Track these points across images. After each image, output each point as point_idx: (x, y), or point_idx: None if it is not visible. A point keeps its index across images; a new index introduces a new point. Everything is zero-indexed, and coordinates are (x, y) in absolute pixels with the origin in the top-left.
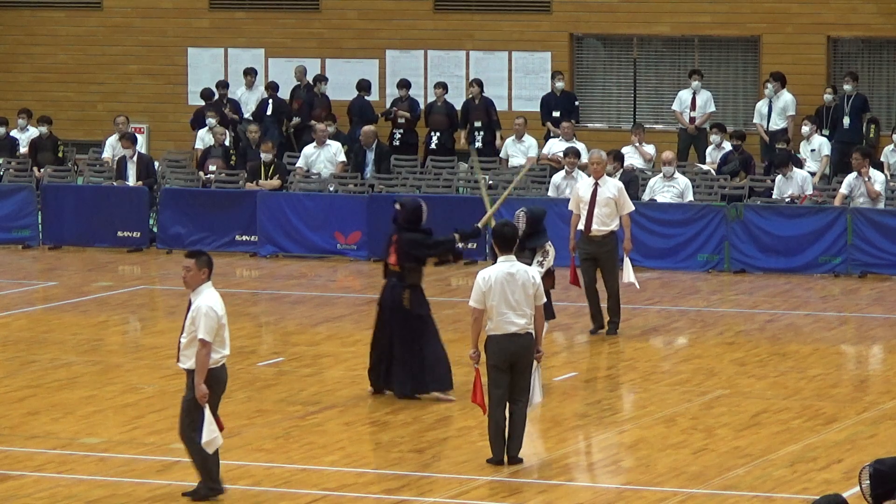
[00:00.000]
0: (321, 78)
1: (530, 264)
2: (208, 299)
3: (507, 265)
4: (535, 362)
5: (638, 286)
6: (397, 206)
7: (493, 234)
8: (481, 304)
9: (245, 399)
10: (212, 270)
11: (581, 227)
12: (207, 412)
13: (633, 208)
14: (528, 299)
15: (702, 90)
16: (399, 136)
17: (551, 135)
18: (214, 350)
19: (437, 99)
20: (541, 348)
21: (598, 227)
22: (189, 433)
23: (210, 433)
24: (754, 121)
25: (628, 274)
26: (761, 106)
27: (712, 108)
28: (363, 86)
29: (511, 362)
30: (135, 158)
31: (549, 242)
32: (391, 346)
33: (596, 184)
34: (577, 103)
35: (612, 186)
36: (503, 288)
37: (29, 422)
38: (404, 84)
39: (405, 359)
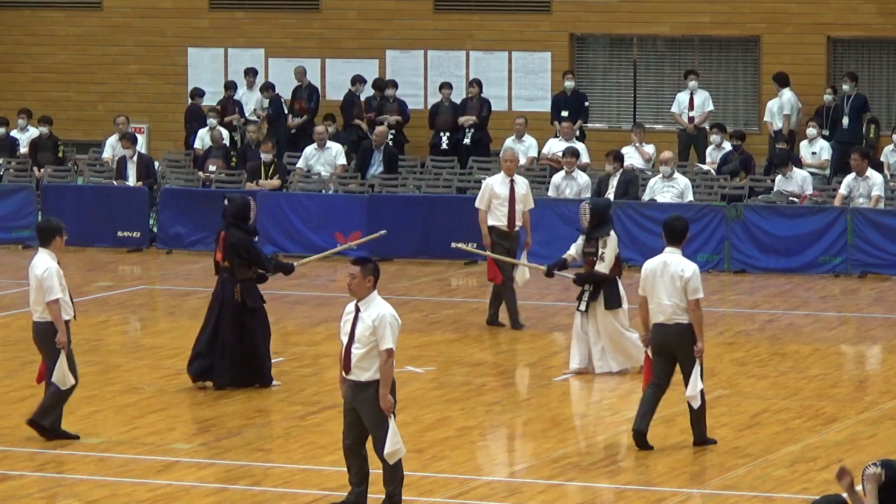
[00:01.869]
0: (392, 83)
1: (595, 253)
2: (387, 307)
3: (665, 256)
4: (697, 356)
5: (527, 279)
6: (226, 202)
7: (663, 226)
8: (643, 292)
9: (245, 399)
10: (378, 278)
11: (496, 223)
12: (393, 423)
13: (534, 205)
14: (677, 291)
15: (699, 90)
16: (391, 136)
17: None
18: None
19: (444, 99)
20: (700, 344)
21: (518, 223)
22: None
23: (394, 444)
24: (765, 119)
25: (526, 270)
26: (772, 105)
27: (710, 107)
28: (390, 84)
29: (663, 351)
30: (135, 158)
31: (613, 231)
32: (215, 338)
33: (511, 180)
34: (587, 104)
35: (522, 183)
36: (654, 278)
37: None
38: (392, 84)
39: (229, 351)
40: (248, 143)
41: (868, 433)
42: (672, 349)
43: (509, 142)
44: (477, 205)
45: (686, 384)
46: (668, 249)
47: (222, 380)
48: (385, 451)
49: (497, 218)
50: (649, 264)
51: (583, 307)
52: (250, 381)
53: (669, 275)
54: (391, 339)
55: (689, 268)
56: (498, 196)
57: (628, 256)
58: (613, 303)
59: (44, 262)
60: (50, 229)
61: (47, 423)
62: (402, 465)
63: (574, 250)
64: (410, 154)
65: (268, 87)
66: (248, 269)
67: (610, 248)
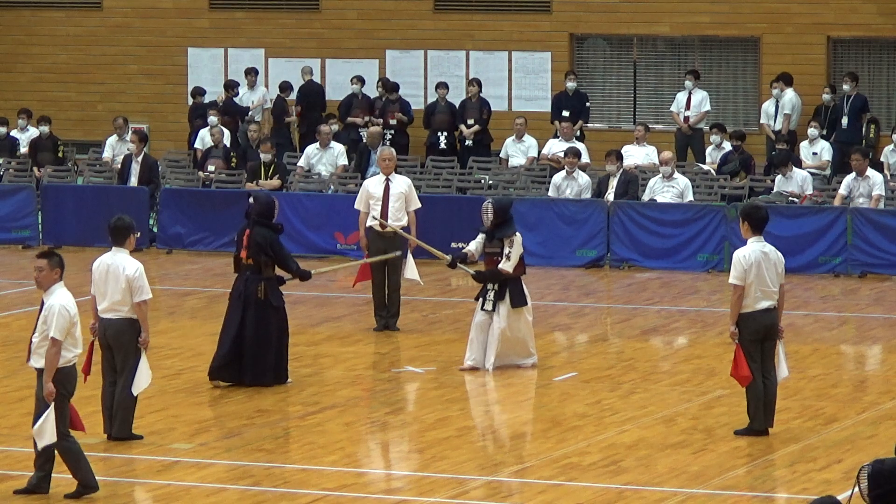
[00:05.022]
0: (395, 85)
1: (501, 254)
2: (61, 298)
3: (759, 245)
4: (779, 338)
5: (422, 283)
6: (251, 200)
7: (746, 215)
8: (744, 281)
9: (245, 399)
10: (63, 270)
11: (371, 223)
12: (51, 411)
13: (420, 205)
14: (778, 277)
15: (697, 90)
16: (390, 136)
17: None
18: (66, 349)
19: (440, 99)
20: (782, 325)
21: (391, 223)
22: (60, 430)
23: (42, 431)
24: (761, 121)
25: (412, 270)
26: (768, 106)
27: (707, 108)
28: (393, 87)
29: (763, 337)
30: (139, 159)
31: (517, 232)
32: (241, 338)
33: (387, 180)
34: (588, 104)
35: (402, 182)
36: (760, 266)
37: (29, 422)
38: (394, 87)
39: (257, 349)
40: (249, 143)
41: (868, 433)
42: (770, 332)
43: (509, 142)
44: (356, 206)
45: (767, 366)
46: (755, 238)
47: (252, 379)
48: (33, 430)
49: (372, 218)
50: (749, 255)
51: (489, 306)
52: (273, 380)
53: (773, 262)
54: (56, 328)
55: (780, 253)
56: (373, 196)
57: (628, 256)
58: (520, 301)
59: (132, 262)
60: (124, 227)
61: (131, 429)
62: (76, 446)
63: (474, 247)
64: (411, 154)
65: (286, 88)
66: (273, 268)
67: (516, 247)
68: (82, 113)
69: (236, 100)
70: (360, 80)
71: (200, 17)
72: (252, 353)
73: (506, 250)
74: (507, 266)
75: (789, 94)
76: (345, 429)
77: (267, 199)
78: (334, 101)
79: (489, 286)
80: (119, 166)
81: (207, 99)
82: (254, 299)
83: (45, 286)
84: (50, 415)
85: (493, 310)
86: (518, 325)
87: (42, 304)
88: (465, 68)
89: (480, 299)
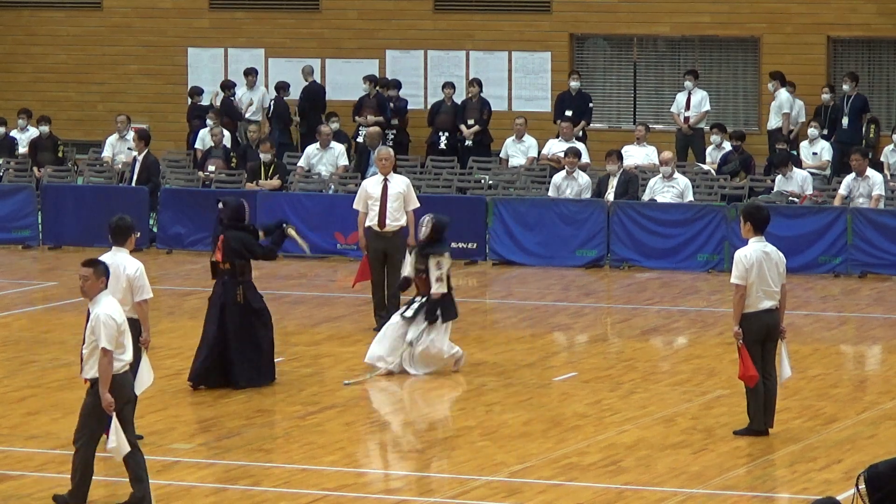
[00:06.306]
0: (395, 83)
1: (426, 270)
2: (106, 308)
3: (761, 245)
4: (781, 338)
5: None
6: (220, 206)
7: (748, 215)
8: (745, 281)
9: (245, 399)
10: (108, 278)
11: (370, 223)
12: (115, 420)
13: (419, 204)
14: (780, 277)
15: (697, 90)
16: (392, 136)
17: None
18: (116, 358)
19: (446, 99)
20: (783, 325)
21: (390, 223)
22: (83, 442)
23: (113, 441)
24: (771, 122)
25: (407, 269)
26: (776, 106)
27: (707, 108)
28: (394, 84)
29: (765, 337)
30: (141, 158)
31: (448, 253)
32: (224, 342)
33: (385, 180)
34: (591, 105)
35: (400, 182)
36: (762, 266)
37: (29, 422)
38: (395, 85)
39: (249, 354)
40: (249, 143)
41: (868, 433)
42: (771, 333)
43: (509, 142)
44: (354, 206)
45: (768, 367)
46: (757, 238)
47: (246, 383)
48: (108, 447)
49: (370, 218)
50: (750, 254)
51: (409, 314)
52: (263, 381)
53: (774, 262)
54: (105, 338)
55: (782, 253)
56: (371, 196)
57: (628, 256)
58: (450, 315)
59: (133, 261)
60: (125, 227)
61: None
62: (141, 458)
63: (408, 270)
64: (411, 154)
65: (283, 87)
66: (250, 269)
67: (445, 269)
68: (82, 113)
69: (233, 99)
70: (372, 80)
71: (200, 17)
72: (241, 357)
73: (433, 272)
74: (440, 289)
75: (785, 94)
76: (345, 429)
77: (236, 203)
78: (334, 100)
79: (419, 297)
80: (119, 166)
81: (205, 100)
82: (233, 303)
83: (91, 295)
84: (116, 426)
85: (413, 318)
86: (444, 338)
87: (88, 314)
88: (465, 68)
89: (409, 304)
